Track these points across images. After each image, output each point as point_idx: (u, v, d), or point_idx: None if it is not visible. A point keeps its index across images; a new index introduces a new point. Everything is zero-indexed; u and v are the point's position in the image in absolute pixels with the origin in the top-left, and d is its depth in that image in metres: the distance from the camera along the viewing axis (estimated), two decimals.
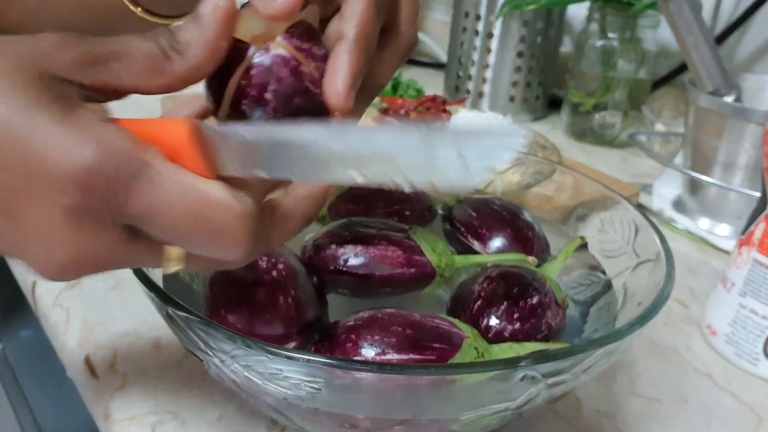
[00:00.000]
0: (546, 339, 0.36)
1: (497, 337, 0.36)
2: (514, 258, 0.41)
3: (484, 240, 0.44)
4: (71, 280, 0.27)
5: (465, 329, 0.33)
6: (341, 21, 0.30)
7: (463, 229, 0.45)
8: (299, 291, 0.35)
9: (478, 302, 0.37)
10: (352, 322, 0.34)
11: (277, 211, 0.29)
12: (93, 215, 0.24)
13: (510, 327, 0.36)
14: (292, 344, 0.34)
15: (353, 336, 0.32)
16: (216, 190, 0.25)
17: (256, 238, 0.26)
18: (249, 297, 0.34)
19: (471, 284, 0.38)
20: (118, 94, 0.27)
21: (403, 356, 0.31)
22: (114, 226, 0.25)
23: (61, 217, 0.24)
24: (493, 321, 0.36)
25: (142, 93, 0.27)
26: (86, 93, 0.26)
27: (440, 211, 0.48)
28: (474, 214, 0.45)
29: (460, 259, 0.41)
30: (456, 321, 0.34)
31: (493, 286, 0.37)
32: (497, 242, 0.44)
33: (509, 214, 0.45)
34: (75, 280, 0.27)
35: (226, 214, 0.25)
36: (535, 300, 0.37)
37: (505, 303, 0.36)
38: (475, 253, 0.44)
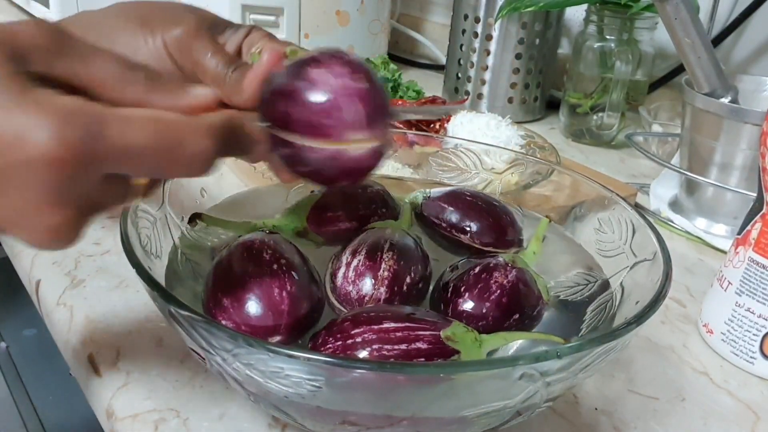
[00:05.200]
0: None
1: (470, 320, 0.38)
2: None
3: (469, 232, 0.45)
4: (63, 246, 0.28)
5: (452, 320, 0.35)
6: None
7: (444, 224, 0.46)
8: (295, 288, 0.36)
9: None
10: (348, 314, 0.35)
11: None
12: (71, 186, 0.26)
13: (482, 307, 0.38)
14: (277, 338, 0.35)
15: (350, 317, 0.34)
16: (170, 114, 0.28)
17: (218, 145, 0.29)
18: (247, 284, 0.36)
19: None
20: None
21: (400, 324, 0.33)
22: (93, 182, 0.27)
23: (41, 196, 0.26)
24: (468, 306, 0.38)
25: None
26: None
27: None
28: (450, 208, 0.46)
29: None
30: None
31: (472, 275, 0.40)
32: (482, 232, 0.45)
33: (484, 202, 0.46)
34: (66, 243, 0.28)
35: (187, 126, 0.28)
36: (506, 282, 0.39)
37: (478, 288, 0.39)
38: (463, 244, 0.45)
